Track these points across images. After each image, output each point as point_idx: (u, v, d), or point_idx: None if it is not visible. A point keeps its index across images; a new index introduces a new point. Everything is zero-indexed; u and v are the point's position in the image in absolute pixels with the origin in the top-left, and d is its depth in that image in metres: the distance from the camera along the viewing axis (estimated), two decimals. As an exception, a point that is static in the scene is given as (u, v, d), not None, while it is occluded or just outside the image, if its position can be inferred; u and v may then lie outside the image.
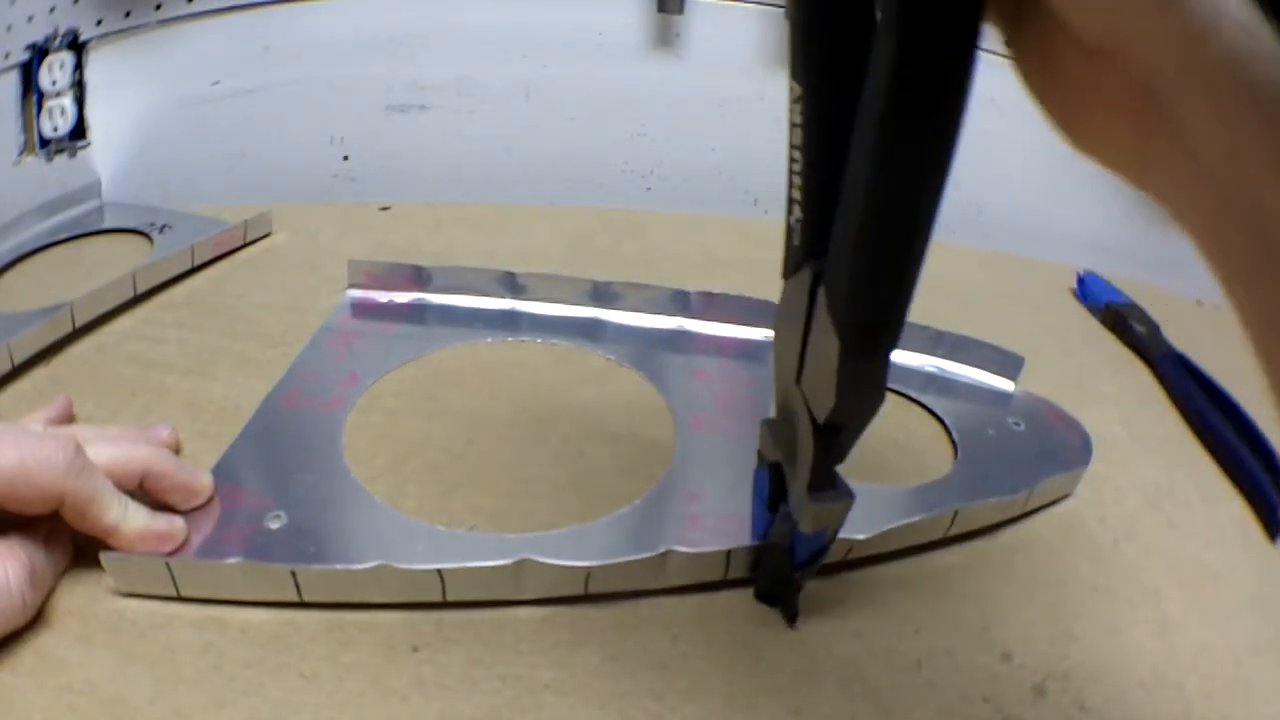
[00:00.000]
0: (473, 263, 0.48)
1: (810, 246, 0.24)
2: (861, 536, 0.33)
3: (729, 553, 0.32)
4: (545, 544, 0.32)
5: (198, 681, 0.28)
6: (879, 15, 0.19)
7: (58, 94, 0.54)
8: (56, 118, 0.54)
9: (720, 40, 0.63)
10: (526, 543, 0.33)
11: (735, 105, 0.65)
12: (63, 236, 0.53)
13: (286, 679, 0.29)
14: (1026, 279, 0.58)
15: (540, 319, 0.48)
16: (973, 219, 0.66)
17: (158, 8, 0.57)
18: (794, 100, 0.23)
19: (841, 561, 0.34)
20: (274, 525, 0.33)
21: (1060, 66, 0.20)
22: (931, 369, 0.46)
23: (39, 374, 0.42)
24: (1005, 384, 0.45)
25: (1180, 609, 0.34)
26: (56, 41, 0.53)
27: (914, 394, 0.44)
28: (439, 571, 0.31)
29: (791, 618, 0.32)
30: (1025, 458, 0.39)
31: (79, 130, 0.56)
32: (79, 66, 0.55)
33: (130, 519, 0.30)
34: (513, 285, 0.48)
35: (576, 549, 0.32)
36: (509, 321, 0.47)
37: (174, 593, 0.31)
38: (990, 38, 0.24)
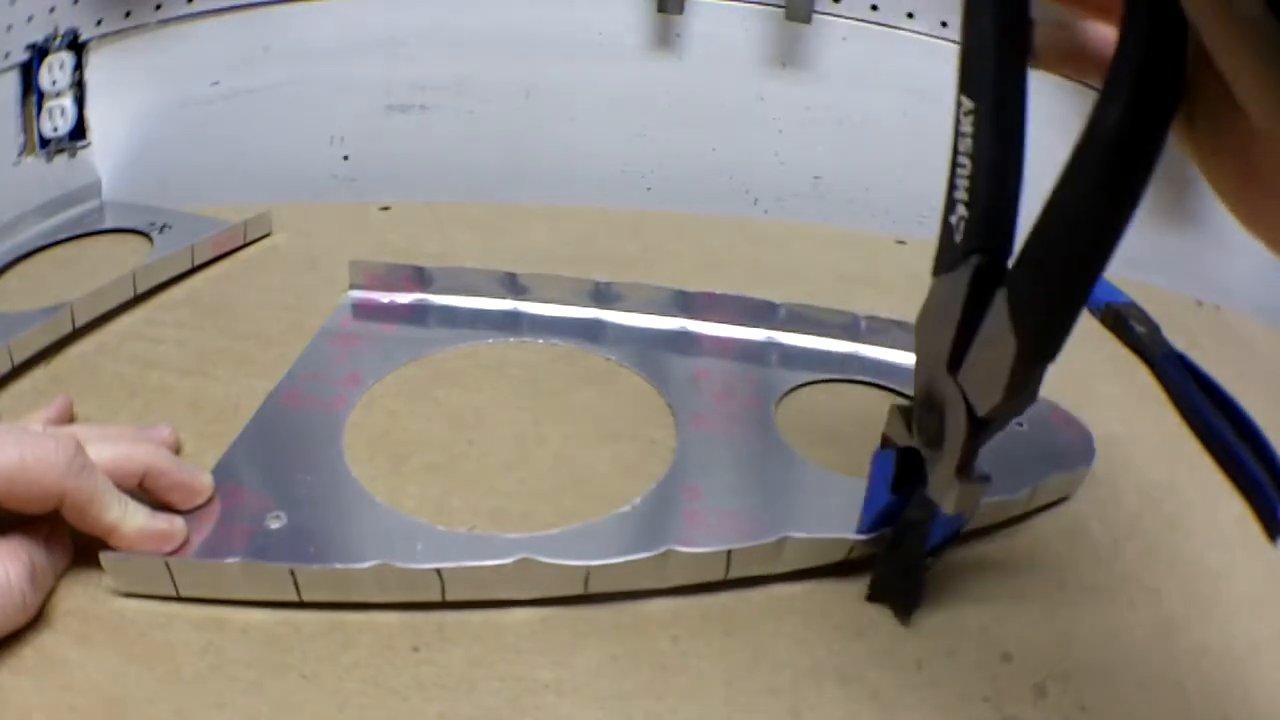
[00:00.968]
0: (473, 263, 0.48)
1: (975, 244, 0.26)
2: (863, 536, 0.33)
3: (729, 552, 0.32)
4: (545, 544, 0.32)
5: (198, 681, 0.28)
6: (1108, 81, 0.21)
7: (58, 94, 0.54)
8: (56, 118, 0.54)
9: (720, 40, 0.63)
10: (526, 542, 0.33)
11: (735, 105, 0.65)
12: (63, 236, 0.53)
13: (286, 679, 0.29)
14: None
15: (541, 319, 0.48)
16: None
17: (158, 8, 0.57)
18: (965, 113, 0.26)
19: (843, 563, 0.34)
20: (274, 525, 0.33)
21: (1253, 170, 0.22)
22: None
23: (39, 374, 0.42)
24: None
25: (1180, 609, 0.34)
26: (56, 41, 0.53)
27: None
28: (439, 571, 0.31)
29: (910, 609, 0.32)
30: (1027, 458, 0.39)
31: (79, 130, 0.56)
32: (79, 66, 0.55)
33: (130, 518, 0.30)
34: (514, 286, 0.48)
35: (576, 549, 0.32)
36: (510, 322, 0.47)
37: (174, 593, 0.31)
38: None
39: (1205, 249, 0.62)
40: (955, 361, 0.27)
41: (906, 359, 0.46)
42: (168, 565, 0.30)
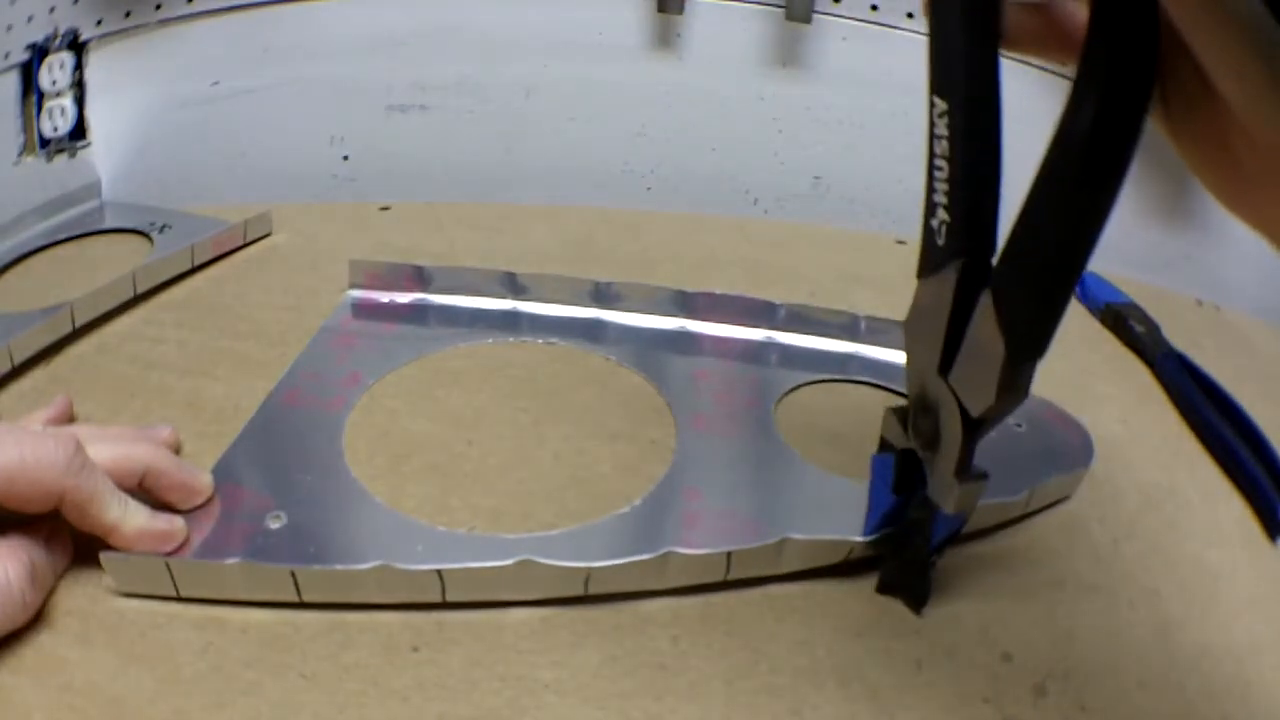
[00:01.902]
0: (473, 263, 0.48)
1: (957, 247, 0.26)
2: (861, 538, 0.33)
3: (729, 554, 0.32)
4: (545, 545, 0.32)
5: (198, 681, 0.28)
6: (1078, 77, 0.21)
7: (58, 94, 0.54)
8: (56, 118, 0.54)
9: (720, 40, 0.63)
10: (526, 543, 0.33)
11: (735, 105, 0.65)
12: (63, 236, 0.53)
13: (286, 679, 0.29)
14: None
15: (541, 319, 0.48)
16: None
17: (158, 8, 0.57)
18: (939, 115, 0.25)
19: (842, 563, 0.34)
20: (274, 525, 0.33)
21: (1231, 156, 0.22)
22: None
23: (39, 374, 0.42)
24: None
25: (1180, 609, 0.34)
26: (56, 41, 0.53)
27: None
28: (439, 572, 0.31)
29: (920, 602, 0.32)
30: (1026, 459, 0.39)
31: (79, 130, 0.56)
32: (79, 66, 0.55)
33: (130, 518, 0.30)
34: (514, 285, 0.48)
35: (576, 550, 0.32)
36: (510, 322, 0.47)
37: (174, 593, 0.31)
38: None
39: (1205, 249, 0.62)
40: (946, 364, 0.28)
41: (906, 359, 0.46)
42: (168, 565, 0.30)
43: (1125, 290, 0.56)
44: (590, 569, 0.31)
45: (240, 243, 0.54)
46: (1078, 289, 0.57)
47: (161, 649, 0.29)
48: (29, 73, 0.52)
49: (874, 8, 0.61)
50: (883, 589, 0.33)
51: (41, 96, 0.53)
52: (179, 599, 0.31)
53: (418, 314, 0.48)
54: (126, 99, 0.58)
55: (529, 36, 0.63)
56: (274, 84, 0.62)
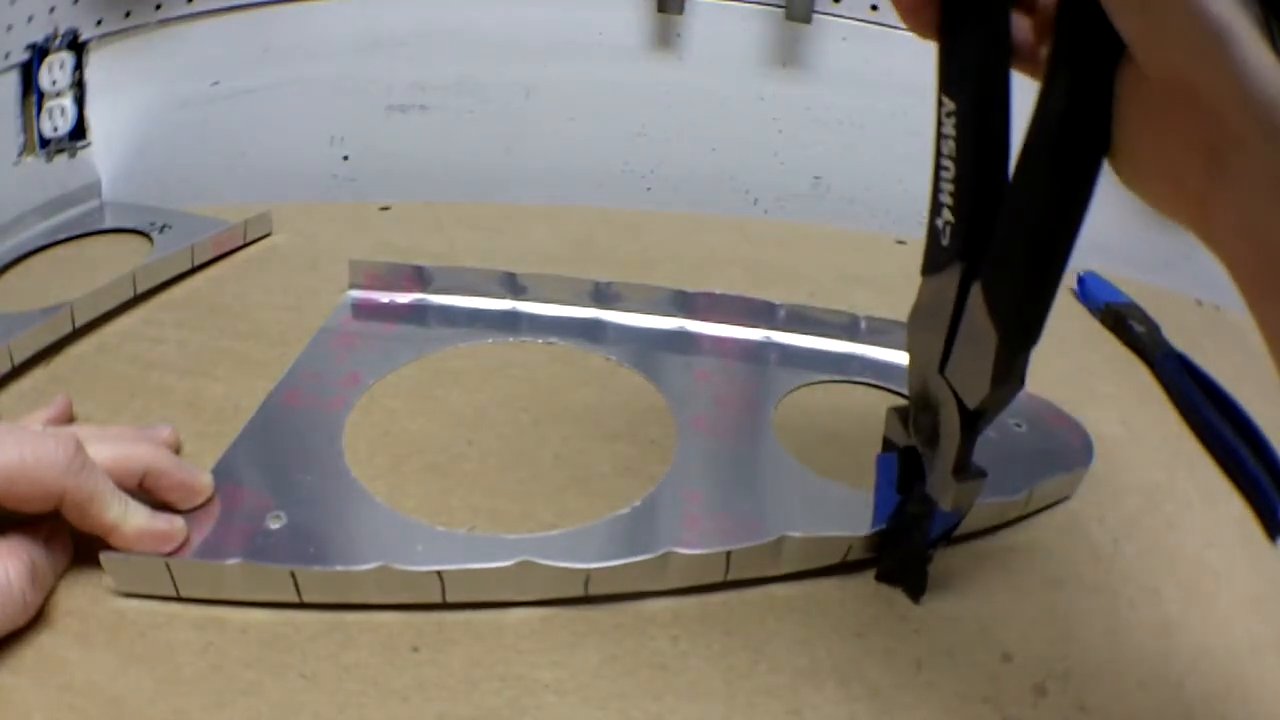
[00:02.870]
0: (473, 263, 0.48)
1: (961, 247, 0.26)
2: (859, 536, 0.33)
3: (729, 554, 0.32)
4: (545, 545, 0.32)
5: (198, 681, 0.28)
6: (1049, 64, 0.22)
7: (58, 94, 0.54)
8: (56, 118, 0.54)
9: (720, 40, 0.63)
10: (526, 544, 0.33)
11: (735, 105, 0.65)
12: (63, 236, 0.53)
13: (286, 679, 0.29)
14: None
15: (541, 319, 0.48)
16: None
17: (158, 8, 0.57)
18: (946, 114, 0.25)
19: (841, 563, 0.34)
20: (274, 525, 0.33)
21: (1132, 106, 0.22)
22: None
23: (39, 374, 0.42)
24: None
25: (1180, 609, 0.34)
26: (56, 41, 0.53)
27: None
28: (439, 573, 0.31)
29: (919, 592, 0.33)
30: (1026, 459, 0.39)
31: (79, 130, 0.56)
32: (79, 66, 0.55)
33: (130, 518, 0.30)
34: (513, 286, 0.48)
35: (576, 550, 0.32)
36: (510, 322, 0.47)
37: (174, 593, 0.31)
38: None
39: (1205, 249, 0.62)
40: (946, 361, 0.28)
41: (906, 359, 0.46)
42: (168, 565, 0.30)
43: (1125, 290, 0.56)
44: (590, 570, 0.31)
45: (240, 243, 0.54)
46: (1077, 289, 0.57)
47: (161, 649, 0.29)
48: (29, 73, 0.52)
49: (874, 8, 0.61)
50: (881, 578, 0.34)
51: (41, 96, 0.53)
52: (179, 599, 0.31)
53: (417, 314, 0.48)
54: (126, 99, 0.58)
55: (529, 36, 0.63)
56: (274, 84, 0.62)
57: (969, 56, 0.25)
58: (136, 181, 0.60)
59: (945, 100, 0.25)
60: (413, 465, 0.37)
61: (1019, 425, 0.41)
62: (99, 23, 0.55)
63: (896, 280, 0.56)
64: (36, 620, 0.29)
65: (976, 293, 0.26)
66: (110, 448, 0.31)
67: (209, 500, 0.33)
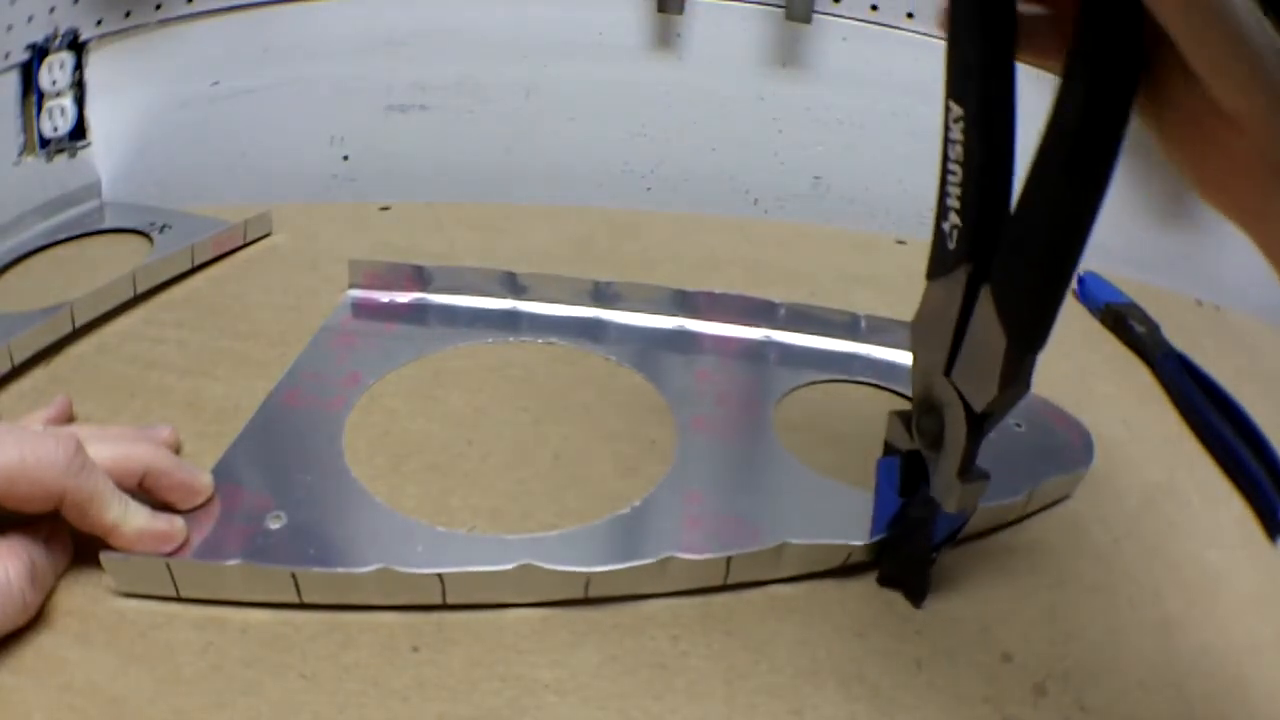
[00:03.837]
0: (473, 263, 0.48)
1: (968, 250, 0.26)
2: (860, 542, 0.33)
3: (729, 559, 0.32)
4: (545, 547, 0.32)
5: (198, 681, 0.28)
6: (1066, 70, 0.22)
7: (58, 94, 0.54)
8: (56, 118, 0.54)
9: (720, 40, 0.63)
10: (526, 545, 0.33)
11: (735, 105, 0.65)
12: (63, 236, 0.53)
13: (286, 679, 0.29)
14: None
15: (541, 319, 0.48)
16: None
17: (158, 8, 0.57)
18: (954, 120, 0.25)
19: (842, 566, 0.34)
20: (274, 525, 0.33)
21: (1200, 132, 0.22)
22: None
23: (39, 374, 0.42)
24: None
25: (1180, 609, 0.34)
26: (56, 41, 0.53)
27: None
28: (439, 575, 0.31)
29: (921, 596, 0.33)
30: (1026, 459, 0.39)
31: (79, 130, 0.56)
32: (79, 66, 0.55)
33: (130, 518, 0.30)
34: (513, 285, 0.48)
35: (577, 553, 0.32)
36: (510, 321, 0.47)
37: (174, 593, 0.31)
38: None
39: (1205, 249, 0.62)
40: (952, 364, 0.28)
41: (907, 359, 0.46)
42: (168, 565, 0.30)
43: (1125, 290, 0.56)
44: (590, 573, 0.31)
45: (240, 243, 0.54)
46: (1077, 289, 0.57)
47: (161, 649, 0.29)
48: (29, 73, 0.52)
49: (874, 8, 0.61)
50: (883, 582, 0.34)
51: (41, 96, 0.53)
52: (179, 599, 0.31)
53: (417, 314, 0.48)
54: (126, 99, 0.58)
55: (529, 36, 0.63)
56: (274, 84, 0.62)
57: (974, 63, 0.25)
58: (136, 181, 0.60)
59: (953, 106, 0.25)
60: (413, 465, 0.37)
61: (1019, 425, 0.41)
62: (99, 23, 0.55)
63: (897, 280, 0.56)
64: (36, 620, 0.29)
65: (986, 297, 0.26)
66: (110, 448, 0.31)
67: (209, 500, 0.33)
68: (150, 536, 0.30)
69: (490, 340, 0.46)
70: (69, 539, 0.31)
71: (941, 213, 0.27)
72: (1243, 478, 0.41)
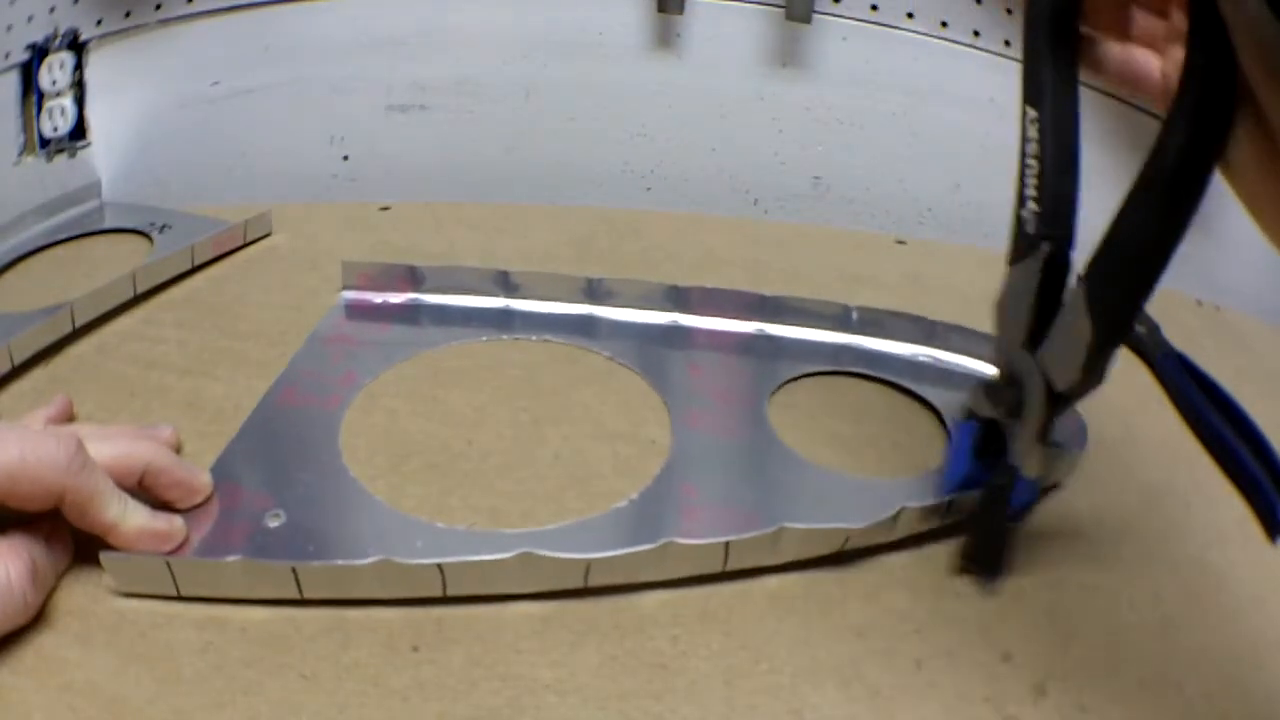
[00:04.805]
0: (473, 263, 0.49)
1: (1046, 232, 0.30)
2: (859, 526, 0.33)
3: (727, 544, 0.32)
4: (545, 538, 0.32)
5: (198, 681, 0.28)
6: (1170, 114, 0.25)
7: (58, 94, 0.54)
8: (56, 118, 0.54)
9: (720, 40, 0.63)
10: (526, 537, 0.33)
11: (735, 105, 0.65)
12: (63, 236, 0.53)
13: (286, 679, 0.29)
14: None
15: (535, 317, 0.48)
16: (973, 220, 0.66)
17: (158, 8, 0.57)
18: (1030, 121, 0.30)
19: (839, 553, 0.34)
20: (273, 524, 0.33)
21: (1256, 160, 0.24)
22: (925, 359, 0.46)
23: (39, 374, 0.42)
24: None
25: (1180, 609, 0.34)
26: (56, 41, 0.53)
27: (908, 384, 0.44)
28: (439, 566, 0.31)
29: (996, 574, 0.34)
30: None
31: (79, 130, 0.56)
32: (79, 66, 0.55)
33: (130, 517, 0.30)
34: (506, 284, 0.48)
35: (576, 543, 0.32)
36: (504, 320, 0.47)
37: (174, 592, 0.31)
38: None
39: (1205, 249, 0.62)
40: (1033, 339, 0.31)
41: (899, 349, 0.46)
42: (168, 565, 0.30)
43: (1125, 290, 0.56)
44: (590, 560, 0.31)
45: (240, 243, 0.54)
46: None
47: (161, 649, 0.29)
48: (29, 73, 0.52)
49: (874, 8, 0.61)
50: (965, 558, 0.35)
51: (41, 96, 0.53)
52: (179, 598, 0.31)
53: (411, 314, 0.48)
54: (126, 99, 0.58)
55: (529, 36, 0.63)
56: (274, 84, 0.62)
57: (1048, 77, 0.29)
58: (136, 181, 0.60)
59: (1028, 110, 0.30)
60: (411, 464, 0.37)
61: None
62: (99, 23, 0.55)
63: (897, 280, 0.56)
64: (37, 620, 0.29)
65: (1078, 293, 0.29)
66: (110, 446, 0.31)
67: (208, 499, 0.33)
68: (150, 535, 0.30)
69: (484, 339, 0.46)
70: (70, 538, 0.31)
71: (1019, 202, 0.31)
72: (1243, 478, 0.41)
